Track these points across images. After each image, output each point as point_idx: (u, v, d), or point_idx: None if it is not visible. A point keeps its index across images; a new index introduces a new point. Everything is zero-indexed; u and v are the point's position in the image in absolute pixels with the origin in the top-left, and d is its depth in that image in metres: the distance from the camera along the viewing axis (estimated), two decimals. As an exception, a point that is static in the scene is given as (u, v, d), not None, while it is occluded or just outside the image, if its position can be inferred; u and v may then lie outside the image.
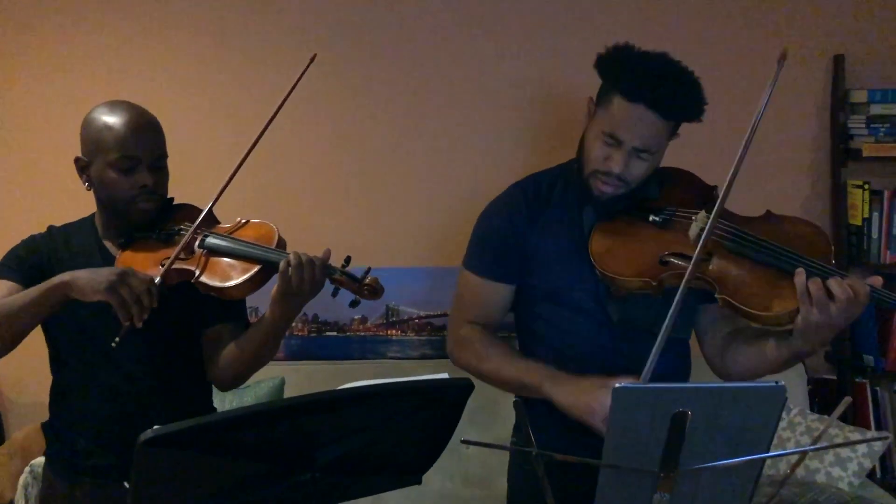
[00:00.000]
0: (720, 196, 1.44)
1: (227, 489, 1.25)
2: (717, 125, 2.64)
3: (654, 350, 1.34)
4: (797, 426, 2.40)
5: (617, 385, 1.07)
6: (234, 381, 1.74)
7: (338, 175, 2.79)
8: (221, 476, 1.23)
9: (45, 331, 1.73)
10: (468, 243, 1.79)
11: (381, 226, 2.80)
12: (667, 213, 1.59)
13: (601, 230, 1.61)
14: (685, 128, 1.61)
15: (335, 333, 2.80)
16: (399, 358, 2.82)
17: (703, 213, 1.53)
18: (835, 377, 2.79)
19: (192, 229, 1.66)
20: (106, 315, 1.64)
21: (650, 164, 1.58)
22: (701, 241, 1.43)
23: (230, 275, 1.61)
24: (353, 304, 1.60)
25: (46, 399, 1.75)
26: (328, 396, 1.23)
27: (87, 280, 1.50)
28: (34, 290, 1.54)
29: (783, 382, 1.06)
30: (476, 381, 1.59)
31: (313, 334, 2.80)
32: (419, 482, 1.46)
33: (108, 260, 1.70)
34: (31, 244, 1.73)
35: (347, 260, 1.61)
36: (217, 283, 1.61)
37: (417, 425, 1.35)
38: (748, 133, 1.41)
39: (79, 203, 1.82)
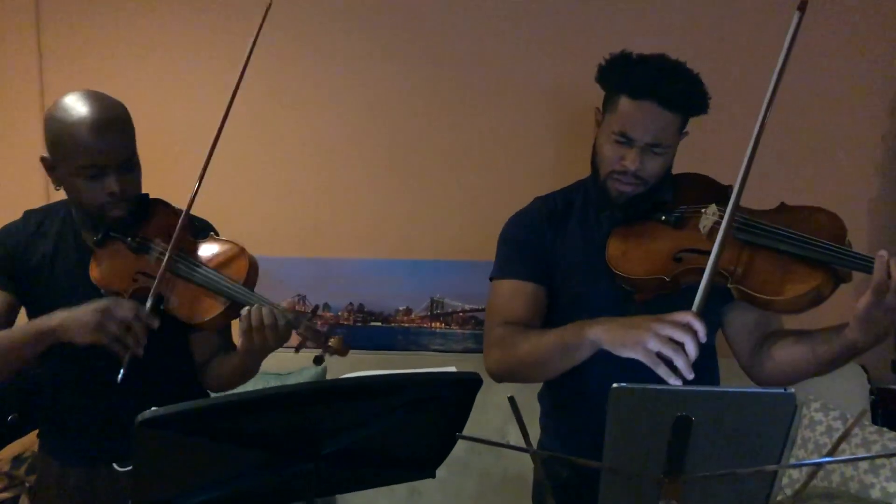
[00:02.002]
0: (736, 187, 1.44)
1: (228, 474, 1.25)
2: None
3: (701, 286, 1.38)
4: (853, 437, 2.27)
5: (615, 385, 1.02)
6: (217, 391, 1.76)
7: (385, 168, 2.79)
8: (222, 461, 1.23)
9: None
10: (494, 258, 1.76)
11: (427, 219, 2.79)
12: (678, 212, 1.59)
13: (617, 235, 1.62)
14: (708, 128, 1.56)
15: (380, 324, 2.81)
16: (442, 351, 2.80)
17: (713, 206, 1.53)
18: (901, 387, 2.64)
19: (167, 257, 1.58)
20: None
21: (664, 160, 1.59)
22: (722, 228, 1.42)
23: (196, 308, 1.59)
24: (317, 360, 1.58)
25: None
26: (329, 385, 1.23)
27: (73, 322, 1.47)
28: (20, 335, 1.52)
29: (793, 389, 1.00)
30: (508, 375, 1.62)
31: (359, 324, 2.81)
32: (433, 476, 1.43)
33: (83, 252, 1.66)
34: (1, 238, 1.68)
35: (314, 310, 1.56)
36: (184, 317, 1.59)
37: (425, 418, 1.32)
38: (763, 111, 1.43)
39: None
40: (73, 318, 1.48)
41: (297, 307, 2.64)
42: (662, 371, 1.34)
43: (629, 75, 1.55)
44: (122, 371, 1.49)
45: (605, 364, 1.45)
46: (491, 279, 1.76)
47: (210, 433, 1.17)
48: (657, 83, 1.52)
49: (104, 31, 2.82)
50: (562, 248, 1.69)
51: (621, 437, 1.07)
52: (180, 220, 1.62)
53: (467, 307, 2.79)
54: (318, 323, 1.55)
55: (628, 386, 1.01)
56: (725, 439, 1.05)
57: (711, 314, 1.62)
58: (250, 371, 1.66)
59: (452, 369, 1.33)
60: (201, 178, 1.64)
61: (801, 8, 1.43)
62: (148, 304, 1.55)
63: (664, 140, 1.55)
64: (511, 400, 1.04)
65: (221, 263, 1.63)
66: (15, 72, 2.86)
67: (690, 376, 1.32)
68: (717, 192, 1.59)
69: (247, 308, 1.50)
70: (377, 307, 2.81)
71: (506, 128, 2.73)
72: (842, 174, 2.64)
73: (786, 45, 1.43)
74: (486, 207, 2.74)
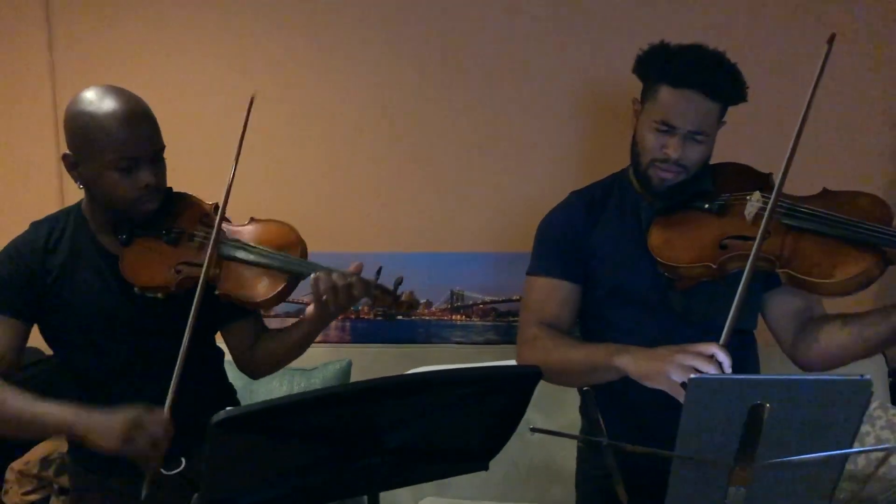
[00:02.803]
0: (780, 173, 1.47)
1: (296, 471, 1.26)
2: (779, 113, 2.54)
3: (729, 318, 1.39)
4: (878, 420, 2.31)
5: (692, 376, 1.04)
6: (267, 373, 1.77)
7: (403, 160, 2.79)
8: (290, 458, 1.24)
9: (49, 343, 1.67)
10: (531, 252, 1.79)
11: (447, 211, 2.79)
12: (721, 200, 1.61)
13: (659, 224, 1.64)
14: (743, 120, 1.62)
15: (401, 317, 2.81)
16: (463, 343, 2.81)
17: (757, 193, 1.56)
18: (918, 369, 2.67)
19: (213, 240, 1.56)
20: (117, 327, 1.60)
21: (705, 148, 1.61)
22: (767, 214, 1.45)
23: (257, 287, 1.57)
24: (388, 316, 1.59)
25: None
26: (396, 381, 1.23)
27: (103, 430, 1.43)
28: (45, 419, 1.47)
29: (869, 376, 1.02)
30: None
31: (379, 318, 2.81)
32: (486, 468, 1.45)
33: (107, 258, 1.62)
34: (13, 257, 1.60)
35: (379, 271, 1.55)
36: (247, 297, 1.57)
37: (484, 412, 1.34)
38: (802, 113, 1.47)
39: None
40: (103, 425, 1.43)
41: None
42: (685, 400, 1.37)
43: (670, 65, 1.57)
44: (144, 490, 1.44)
45: None
46: (527, 274, 1.78)
47: (280, 431, 1.18)
48: (698, 72, 1.54)
49: (116, 31, 2.79)
50: (600, 239, 1.71)
51: (695, 426, 1.09)
52: (222, 203, 1.60)
53: (487, 299, 2.80)
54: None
55: (706, 376, 1.03)
56: (798, 426, 1.07)
57: (752, 301, 1.65)
58: (310, 342, 1.66)
59: (512, 363, 1.34)
60: (235, 168, 1.61)
61: (830, 41, 1.46)
62: (198, 290, 1.52)
63: (705, 128, 1.58)
64: (587, 393, 1.05)
65: (272, 240, 1.62)
66: (26, 73, 2.83)
67: None
68: (757, 180, 1.62)
69: (315, 274, 1.50)
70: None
71: (524, 119, 2.73)
72: (855, 158, 2.66)
73: (817, 73, 1.46)
74: (504, 199, 2.75)
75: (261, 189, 2.74)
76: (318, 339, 1.72)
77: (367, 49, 2.74)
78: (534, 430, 1.12)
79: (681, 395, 1.36)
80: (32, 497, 2.41)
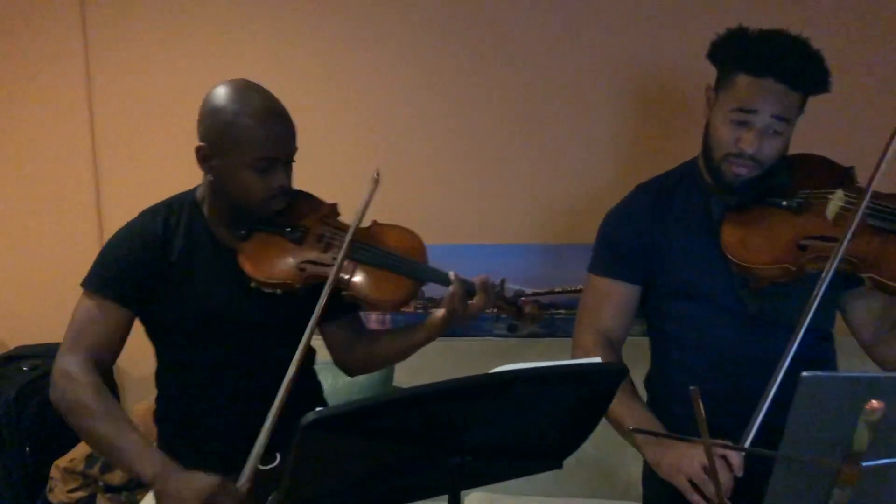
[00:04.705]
0: (875, 170, 1.38)
1: (378, 471, 1.24)
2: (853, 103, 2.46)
3: (787, 349, 1.33)
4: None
5: (805, 374, 1.00)
6: (362, 373, 1.83)
7: (447, 152, 2.75)
8: (372, 459, 1.21)
9: (152, 336, 1.65)
10: (593, 248, 1.75)
11: (490, 202, 2.75)
12: (800, 197, 1.54)
13: (732, 220, 1.57)
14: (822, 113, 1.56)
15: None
16: (506, 336, 2.78)
17: (840, 192, 1.49)
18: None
19: (345, 247, 1.55)
20: (220, 323, 1.58)
21: (782, 141, 1.53)
22: (858, 215, 1.38)
23: (383, 290, 1.59)
24: (512, 328, 1.62)
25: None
26: (480, 381, 1.20)
27: (172, 501, 1.38)
28: (124, 453, 1.42)
29: None
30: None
31: (420, 311, 2.78)
32: (560, 467, 1.42)
33: (221, 252, 1.59)
34: (128, 244, 1.56)
35: (503, 282, 1.64)
36: (374, 299, 1.59)
37: (566, 410, 1.30)
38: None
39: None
40: (176, 495, 1.37)
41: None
42: (694, 499, 1.37)
43: (749, 52, 1.49)
44: None
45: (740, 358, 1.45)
46: (587, 270, 1.75)
47: (365, 431, 1.15)
48: (780, 60, 1.46)
49: (151, 24, 2.77)
50: (667, 234, 1.65)
51: (803, 425, 1.05)
52: (361, 210, 1.59)
53: (530, 291, 2.76)
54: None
55: (820, 374, 0.99)
56: (912, 425, 1.03)
57: (831, 300, 1.59)
58: (416, 350, 1.73)
59: (598, 359, 1.31)
60: (377, 179, 1.61)
61: None
62: (325, 291, 1.52)
63: (786, 117, 1.50)
64: (693, 391, 1.02)
65: (398, 245, 1.65)
66: (60, 68, 2.81)
67: None
68: (839, 175, 1.55)
69: (453, 284, 1.58)
70: (438, 293, 2.77)
71: (572, 112, 2.66)
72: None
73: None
74: (547, 190, 2.70)
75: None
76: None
77: (408, 36, 2.70)
78: (634, 430, 1.08)
79: (691, 494, 1.38)
80: (78, 495, 2.39)
